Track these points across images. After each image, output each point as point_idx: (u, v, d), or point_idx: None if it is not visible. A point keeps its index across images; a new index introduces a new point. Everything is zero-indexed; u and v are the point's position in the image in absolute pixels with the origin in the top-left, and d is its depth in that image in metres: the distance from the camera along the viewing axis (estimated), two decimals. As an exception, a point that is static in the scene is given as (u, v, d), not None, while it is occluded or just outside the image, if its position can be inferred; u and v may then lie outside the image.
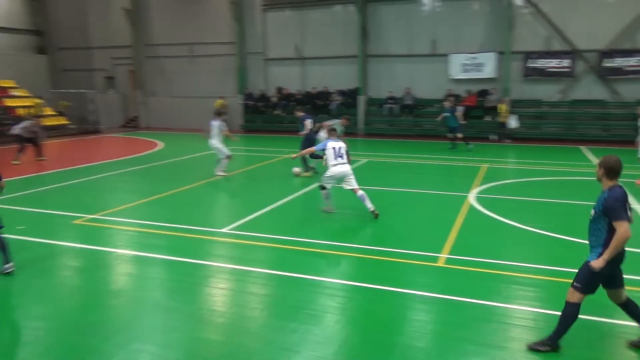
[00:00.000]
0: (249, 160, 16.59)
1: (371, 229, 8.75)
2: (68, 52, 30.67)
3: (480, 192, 11.33)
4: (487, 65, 22.32)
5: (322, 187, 9.49)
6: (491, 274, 6.63)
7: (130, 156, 17.86)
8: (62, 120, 26.12)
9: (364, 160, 16.13)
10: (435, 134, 21.85)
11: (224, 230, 8.59)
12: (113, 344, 4.98)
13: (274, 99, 25.80)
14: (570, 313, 4.62)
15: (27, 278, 6.69)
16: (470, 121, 21.70)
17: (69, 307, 5.87)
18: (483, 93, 22.65)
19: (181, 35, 27.60)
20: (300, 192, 11.54)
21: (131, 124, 29.22)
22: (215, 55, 27.17)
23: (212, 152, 14.11)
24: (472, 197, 10.82)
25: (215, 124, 13.40)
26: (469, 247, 7.60)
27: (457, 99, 22.40)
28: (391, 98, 23.90)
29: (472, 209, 9.89)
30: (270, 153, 17.99)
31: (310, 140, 13.21)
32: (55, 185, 12.61)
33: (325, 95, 24.78)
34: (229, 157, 13.58)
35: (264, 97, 26.19)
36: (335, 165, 9.26)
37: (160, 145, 20.96)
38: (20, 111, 24.66)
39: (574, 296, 4.60)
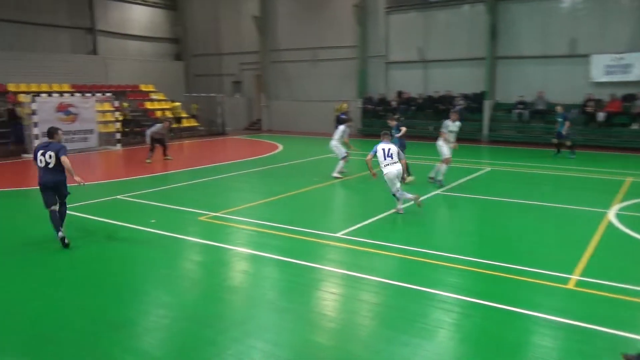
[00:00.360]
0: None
1: (495, 244, 8.31)
2: (201, 58, 33.26)
3: (623, 209, 10.25)
4: (636, 67, 20.16)
5: (393, 194, 10.03)
6: (629, 301, 5.96)
7: (252, 157, 18.79)
8: (193, 123, 28.36)
9: (487, 169, 15.39)
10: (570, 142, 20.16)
11: (338, 234, 8.68)
12: (229, 338, 5.26)
13: (394, 103, 25.64)
14: None
15: (159, 269, 7.32)
16: (613, 129, 19.78)
17: (191, 299, 6.31)
18: (629, 98, 20.49)
19: (305, 40, 28.56)
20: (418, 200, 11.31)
21: (254, 126, 30.84)
22: (337, 59, 27.72)
23: (331, 155, 14.37)
24: (612, 214, 9.83)
25: (342, 128, 13.91)
26: (605, 270, 6.93)
27: (598, 104, 20.55)
28: (521, 102, 22.55)
29: (611, 227, 8.99)
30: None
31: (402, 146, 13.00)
32: (183, 184, 13.64)
33: (448, 99, 24.09)
34: (344, 158, 13.83)
35: (383, 102, 26.15)
36: (386, 165, 9.88)
37: (280, 147, 21.77)
38: (158, 114, 27.26)
39: None
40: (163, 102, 28.54)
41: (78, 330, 5.45)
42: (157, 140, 18.01)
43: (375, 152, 10.00)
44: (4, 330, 5.48)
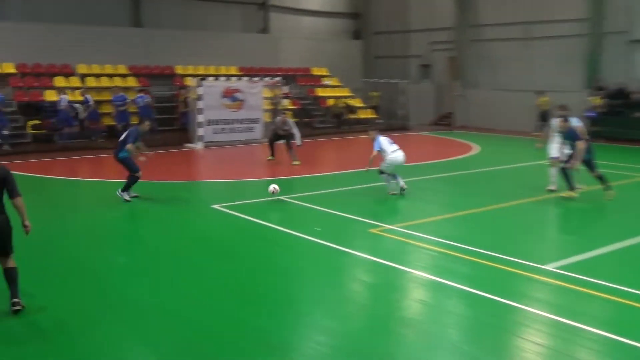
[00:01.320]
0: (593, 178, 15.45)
1: None
2: (383, 36, 33.94)
3: None
4: None
5: (381, 172, 12.93)
6: None
7: (439, 160, 18.70)
8: (370, 114, 29.08)
9: None
10: None
11: (547, 267, 8.24)
12: (398, 382, 5.25)
13: (639, 96, 23.35)
14: None
15: (321, 287, 7.64)
16: None
17: (356, 327, 6.45)
18: None
19: (515, 12, 27.51)
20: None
21: (444, 121, 30.59)
22: (556, 37, 26.17)
23: (544, 162, 13.64)
24: None
25: (556, 122, 12.87)
26: None
27: None
28: None
29: None
30: (626, 170, 16.43)
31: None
32: (350, 187, 14.01)
33: None
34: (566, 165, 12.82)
35: (622, 94, 23.93)
36: (394, 151, 12.74)
37: (476, 149, 21.37)
38: (330, 102, 28.51)
39: None
40: (337, 89, 29.73)
41: (228, 343, 5.92)
42: (280, 136, 17.66)
43: (380, 145, 12.71)
44: (158, 329, 6.19)
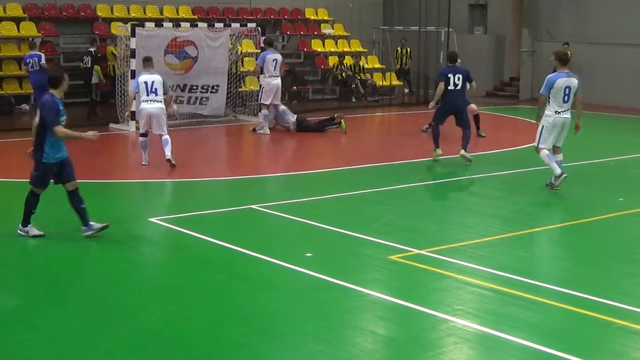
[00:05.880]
0: None
1: None
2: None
3: None
4: None
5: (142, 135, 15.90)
6: None
7: (495, 150, 18.79)
8: (395, 81, 29.02)
9: None
10: None
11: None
12: None
13: None
14: None
15: (317, 348, 7.49)
16: None
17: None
18: None
19: None
20: None
21: (505, 90, 30.68)
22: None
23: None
24: None
25: None
26: None
27: None
28: None
29: None
30: None
31: None
32: (358, 192, 13.90)
33: None
34: None
35: None
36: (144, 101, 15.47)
37: None
38: (332, 61, 28.35)
39: None
40: (343, 41, 29.59)
41: None
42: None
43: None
44: None
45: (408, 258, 10.03)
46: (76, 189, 10.59)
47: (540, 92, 14.03)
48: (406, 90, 30.35)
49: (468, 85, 16.48)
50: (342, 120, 20.53)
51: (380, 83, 28.77)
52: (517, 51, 30.38)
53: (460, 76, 16.12)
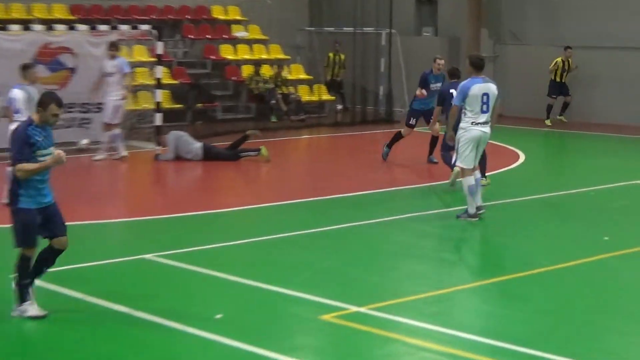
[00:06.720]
0: None
1: None
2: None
3: None
4: None
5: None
6: None
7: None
8: (325, 95, 29.23)
9: None
10: None
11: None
12: None
13: None
14: None
15: None
16: None
17: None
18: None
19: None
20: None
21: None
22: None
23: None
24: None
25: None
26: None
27: None
28: None
29: None
30: None
31: None
32: (289, 234, 14.02)
33: None
34: None
35: None
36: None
37: (522, 157, 21.99)
38: (246, 72, 28.39)
39: None
40: (260, 46, 29.69)
41: None
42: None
43: None
44: None
45: (344, 317, 9.95)
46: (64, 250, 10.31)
47: (452, 102, 14.80)
48: (339, 107, 30.58)
49: None
50: (262, 147, 20.45)
51: (307, 98, 28.96)
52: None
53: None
